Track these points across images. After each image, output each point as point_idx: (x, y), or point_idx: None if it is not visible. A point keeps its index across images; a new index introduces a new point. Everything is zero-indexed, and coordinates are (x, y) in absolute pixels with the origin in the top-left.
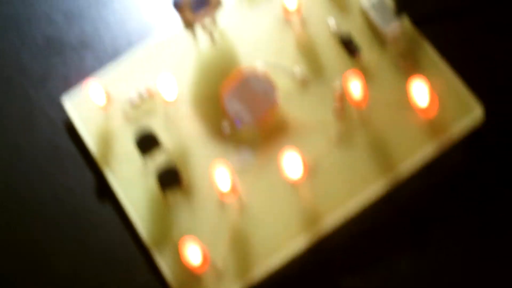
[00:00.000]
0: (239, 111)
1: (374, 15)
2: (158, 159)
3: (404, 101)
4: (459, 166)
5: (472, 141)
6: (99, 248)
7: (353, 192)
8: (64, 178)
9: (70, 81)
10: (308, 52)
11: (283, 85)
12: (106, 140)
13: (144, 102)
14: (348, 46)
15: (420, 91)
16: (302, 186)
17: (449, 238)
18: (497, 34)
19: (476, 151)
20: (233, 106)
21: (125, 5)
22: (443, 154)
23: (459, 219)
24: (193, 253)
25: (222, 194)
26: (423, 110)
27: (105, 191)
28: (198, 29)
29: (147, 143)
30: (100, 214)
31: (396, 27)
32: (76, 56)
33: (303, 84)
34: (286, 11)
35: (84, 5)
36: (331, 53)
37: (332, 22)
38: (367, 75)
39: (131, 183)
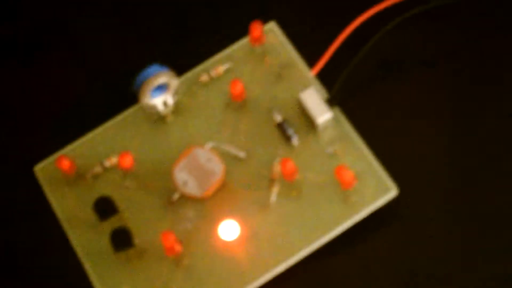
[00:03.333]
0: (187, 182)
1: (308, 107)
2: (114, 223)
3: (331, 180)
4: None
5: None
6: None
7: (282, 256)
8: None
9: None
10: (252, 135)
11: (228, 162)
12: (70, 205)
13: (105, 173)
14: (285, 132)
15: (344, 173)
16: (238, 249)
17: None
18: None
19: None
20: (182, 177)
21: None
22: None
23: None
24: None
25: (167, 251)
26: (346, 189)
27: (67, 247)
28: (156, 111)
29: (105, 208)
30: (61, 267)
31: (327, 117)
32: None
33: (246, 162)
34: (233, 96)
35: None
36: (271, 137)
37: (273, 112)
38: (299, 157)
39: (89, 241)
